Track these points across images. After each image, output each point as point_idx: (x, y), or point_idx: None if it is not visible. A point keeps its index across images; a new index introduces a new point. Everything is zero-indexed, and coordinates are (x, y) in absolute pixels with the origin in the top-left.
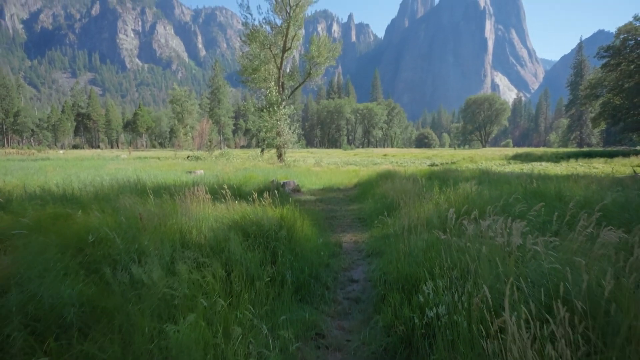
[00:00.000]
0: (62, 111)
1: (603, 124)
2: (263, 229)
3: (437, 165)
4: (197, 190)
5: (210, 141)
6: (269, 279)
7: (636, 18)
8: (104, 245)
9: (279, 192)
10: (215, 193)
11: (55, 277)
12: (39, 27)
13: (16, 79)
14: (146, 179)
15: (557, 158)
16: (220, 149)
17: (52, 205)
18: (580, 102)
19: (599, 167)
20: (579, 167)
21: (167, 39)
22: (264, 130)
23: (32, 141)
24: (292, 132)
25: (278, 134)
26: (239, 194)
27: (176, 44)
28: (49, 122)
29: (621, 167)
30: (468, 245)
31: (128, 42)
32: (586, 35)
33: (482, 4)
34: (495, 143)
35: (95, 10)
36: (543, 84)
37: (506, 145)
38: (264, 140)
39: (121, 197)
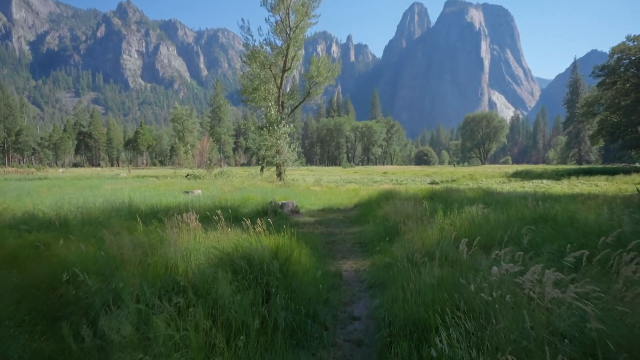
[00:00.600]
0: (64, 130)
1: (601, 141)
2: (256, 263)
3: (437, 183)
4: (189, 218)
5: (210, 159)
6: (259, 323)
7: (629, 38)
8: (79, 284)
9: (277, 213)
10: (209, 219)
11: (5, 332)
12: (45, 48)
13: (20, 99)
14: (140, 201)
15: (557, 175)
16: (221, 166)
17: (35, 233)
18: (577, 119)
19: (601, 184)
20: (580, 184)
21: (170, 60)
22: (263, 148)
23: (33, 160)
24: (292, 151)
25: (278, 152)
26: (236, 216)
27: (179, 64)
28: (51, 141)
29: (623, 184)
30: (484, 285)
31: (132, 62)
32: (580, 55)
33: (477, 25)
34: (494, 160)
35: (101, 32)
36: (540, 102)
37: (505, 163)
38: (263, 159)
39: (110, 223)
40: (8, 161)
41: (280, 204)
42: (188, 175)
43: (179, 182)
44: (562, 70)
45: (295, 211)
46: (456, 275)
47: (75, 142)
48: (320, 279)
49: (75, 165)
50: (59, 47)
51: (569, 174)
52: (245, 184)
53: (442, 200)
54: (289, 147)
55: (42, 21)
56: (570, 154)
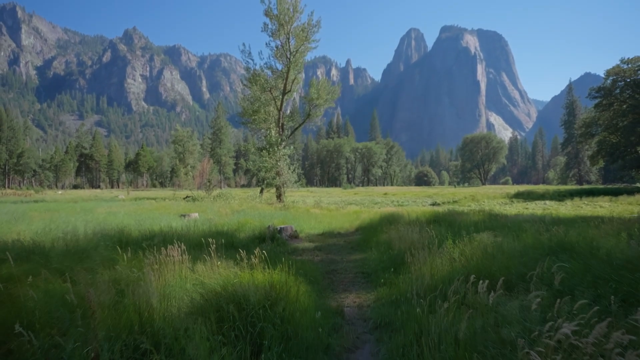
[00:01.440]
0: (66, 152)
1: (601, 161)
2: (246, 306)
3: (439, 204)
4: (174, 251)
5: (209, 181)
6: None
7: (623, 61)
8: (35, 337)
9: (276, 239)
10: (203, 246)
11: None
12: (52, 73)
13: (24, 122)
14: (132, 226)
15: (559, 196)
16: (221, 188)
17: (9, 265)
18: (576, 140)
19: (606, 205)
20: (584, 205)
21: (173, 83)
22: (263, 170)
23: (33, 181)
24: (292, 172)
25: (277, 173)
26: (231, 243)
27: (181, 88)
28: (52, 163)
29: (628, 205)
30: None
31: (135, 86)
32: (574, 77)
33: (472, 50)
34: (494, 180)
35: (107, 57)
36: (537, 123)
37: (505, 183)
38: (263, 180)
39: (93, 253)
40: (8, 183)
41: (278, 228)
42: (187, 197)
43: (177, 204)
44: (557, 92)
45: (294, 236)
46: (485, 326)
47: (77, 164)
48: (321, 320)
49: (75, 186)
50: (65, 71)
51: (571, 194)
52: (243, 206)
53: (447, 224)
54: (289, 168)
55: (49, 47)
56: (570, 174)
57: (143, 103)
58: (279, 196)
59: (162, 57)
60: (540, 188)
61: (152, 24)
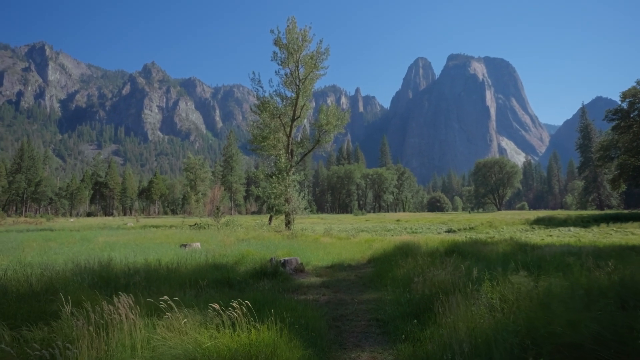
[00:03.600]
0: (82, 180)
1: (623, 185)
2: None
3: (454, 231)
4: (122, 305)
5: (218, 208)
6: None
7: (639, 82)
8: None
9: (279, 273)
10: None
11: None
12: (74, 105)
13: (45, 151)
14: (120, 259)
15: (583, 222)
16: (232, 214)
17: None
18: (594, 164)
19: (638, 232)
20: (614, 232)
21: (188, 113)
22: (272, 196)
23: (49, 209)
24: (302, 199)
25: (287, 200)
26: (227, 279)
27: (196, 118)
28: (68, 191)
29: None
30: None
31: (152, 116)
32: (586, 101)
33: (480, 76)
34: (510, 206)
35: (126, 90)
36: (550, 147)
37: (521, 208)
38: (272, 208)
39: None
40: (25, 210)
41: (282, 261)
42: (195, 224)
43: (181, 233)
44: (569, 116)
45: (300, 270)
46: None
47: (91, 192)
48: None
49: (89, 214)
50: (87, 104)
51: (595, 220)
52: (250, 234)
53: (470, 255)
54: (299, 195)
55: (73, 81)
56: (589, 199)
57: (159, 132)
58: (287, 223)
59: (178, 88)
60: (561, 213)
61: (169, 58)
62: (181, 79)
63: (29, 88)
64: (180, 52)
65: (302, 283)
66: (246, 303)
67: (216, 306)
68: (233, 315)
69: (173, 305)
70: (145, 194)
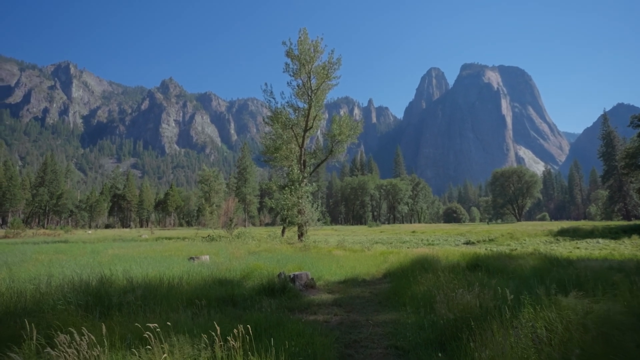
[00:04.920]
0: (101, 192)
1: None
2: None
3: (473, 243)
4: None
5: (231, 220)
6: None
7: None
8: None
9: (287, 290)
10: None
11: None
12: (96, 121)
13: (67, 165)
14: (121, 275)
15: (611, 233)
16: (245, 226)
17: None
18: (618, 172)
19: None
20: None
21: (204, 127)
22: (285, 208)
23: (69, 221)
24: (315, 210)
25: (299, 212)
26: (231, 297)
27: (211, 131)
28: (87, 203)
29: None
30: None
31: (169, 130)
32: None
33: (495, 85)
34: (530, 216)
35: (145, 105)
36: (570, 156)
37: (542, 219)
38: (285, 219)
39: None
40: (47, 222)
41: (291, 276)
42: (208, 236)
43: (191, 245)
44: (589, 124)
45: (310, 285)
46: None
47: (110, 204)
48: None
49: (108, 226)
50: (108, 119)
51: (624, 231)
52: (261, 247)
53: (496, 271)
54: (312, 206)
55: (95, 98)
56: (615, 209)
57: (175, 146)
58: (300, 235)
59: (195, 103)
60: (586, 224)
61: (186, 73)
62: (197, 93)
63: (54, 105)
64: (197, 67)
65: (312, 300)
66: (247, 327)
67: (212, 333)
68: (230, 344)
69: (160, 333)
70: (161, 206)
